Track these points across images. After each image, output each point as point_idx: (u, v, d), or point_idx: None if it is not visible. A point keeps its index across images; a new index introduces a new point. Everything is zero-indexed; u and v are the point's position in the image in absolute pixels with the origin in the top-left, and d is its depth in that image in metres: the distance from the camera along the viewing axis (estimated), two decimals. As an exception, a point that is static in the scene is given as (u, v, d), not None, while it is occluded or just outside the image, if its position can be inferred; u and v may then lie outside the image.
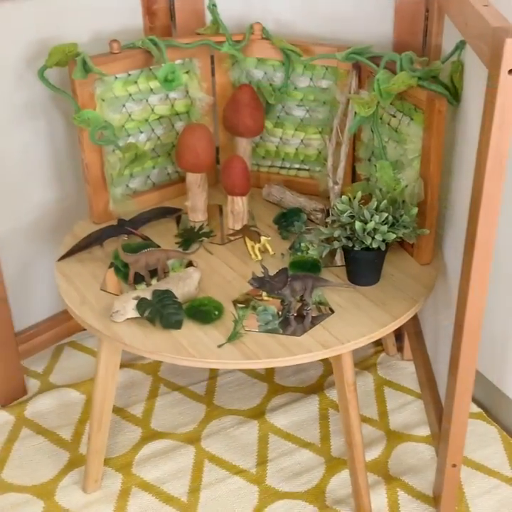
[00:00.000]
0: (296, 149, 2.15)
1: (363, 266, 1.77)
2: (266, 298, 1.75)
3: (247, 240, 1.90)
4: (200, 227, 2.00)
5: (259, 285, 1.68)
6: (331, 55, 1.92)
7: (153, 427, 2.17)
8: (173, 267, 1.85)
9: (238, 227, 2.01)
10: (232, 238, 1.99)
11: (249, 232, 1.89)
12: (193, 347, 1.62)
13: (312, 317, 1.69)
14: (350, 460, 1.83)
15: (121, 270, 1.86)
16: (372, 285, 1.79)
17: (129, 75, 1.97)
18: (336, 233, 1.71)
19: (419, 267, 1.86)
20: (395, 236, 1.69)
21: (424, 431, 2.13)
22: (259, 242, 1.86)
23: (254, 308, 1.71)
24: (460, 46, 1.71)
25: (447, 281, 1.90)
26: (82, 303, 1.76)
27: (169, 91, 2.00)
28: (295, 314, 1.70)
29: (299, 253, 1.88)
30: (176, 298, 1.71)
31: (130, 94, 1.99)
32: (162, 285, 1.75)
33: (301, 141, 2.13)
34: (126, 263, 1.80)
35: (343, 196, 1.76)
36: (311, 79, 2.04)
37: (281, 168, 2.20)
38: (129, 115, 2.01)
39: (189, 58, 2.05)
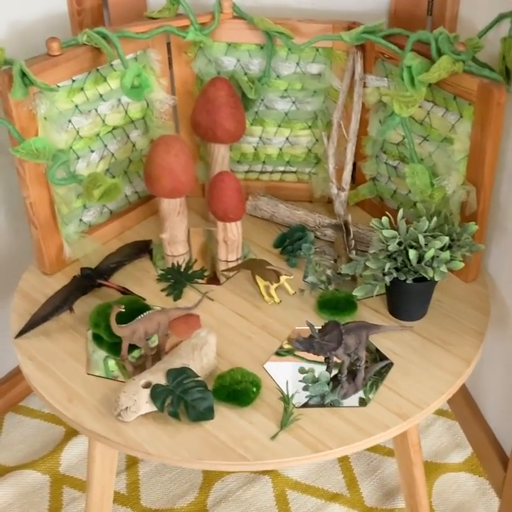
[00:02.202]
0: (280, 149, 1.77)
1: (414, 299, 1.44)
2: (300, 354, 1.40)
3: (259, 279, 1.52)
4: (187, 265, 1.59)
5: (307, 347, 1.32)
6: (335, 36, 1.54)
7: (144, 504, 1.78)
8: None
9: (233, 258, 1.62)
10: (230, 275, 1.60)
11: (262, 269, 1.50)
12: (240, 444, 1.24)
13: (366, 371, 1.36)
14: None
15: (106, 340, 1.44)
16: (421, 319, 1.47)
17: (74, 81, 1.51)
18: (387, 267, 1.37)
19: (464, 284, 1.55)
20: (462, 264, 1.37)
21: (459, 455, 1.87)
22: (278, 281, 1.49)
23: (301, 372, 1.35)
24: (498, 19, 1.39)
25: (496, 297, 1.62)
26: (69, 399, 1.33)
27: (138, 100, 1.55)
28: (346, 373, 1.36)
29: (319, 285, 1.52)
30: (198, 376, 1.32)
31: (76, 106, 1.53)
32: (173, 360, 1.35)
33: (286, 139, 1.75)
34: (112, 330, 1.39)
35: (383, 217, 1.41)
36: (297, 64, 1.65)
37: (261, 172, 1.81)
38: (77, 132, 1.55)
39: (143, 50, 1.61)
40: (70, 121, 1.53)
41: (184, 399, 1.28)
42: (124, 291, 1.53)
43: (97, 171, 1.61)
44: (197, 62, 1.66)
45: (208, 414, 1.28)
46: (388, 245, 1.38)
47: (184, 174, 1.54)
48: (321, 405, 1.31)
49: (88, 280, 1.53)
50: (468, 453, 1.88)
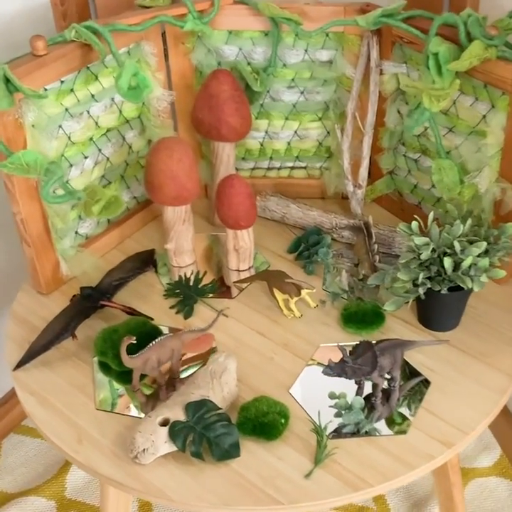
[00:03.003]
0: (288, 144, 1.63)
1: (448, 308, 1.33)
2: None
3: (277, 292, 1.39)
4: (197, 277, 1.46)
5: (339, 373, 1.20)
6: (350, 21, 1.39)
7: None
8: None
9: (245, 266, 1.50)
10: (243, 286, 1.47)
11: (281, 282, 1.38)
12: (271, 484, 1.13)
13: (399, 389, 1.25)
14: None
15: (114, 369, 1.31)
16: (453, 329, 1.36)
17: (62, 82, 1.36)
18: (421, 277, 1.25)
19: (498, 287, 1.43)
20: (504, 273, 1.25)
21: (488, 459, 1.77)
22: (299, 295, 1.36)
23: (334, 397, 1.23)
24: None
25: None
26: (79, 439, 1.21)
27: (137, 102, 1.41)
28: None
29: (341, 294, 1.40)
30: (219, 408, 1.20)
31: (67, 109, 1.38)
32: (190, 391, 1.22)
33: (295, 132, 1.61)
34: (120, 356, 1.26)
35: (413, 222, 1.29)
36: (305, 51, 1.50)
37: (268, 169, 1.68)
38: (69, 138, 1.41)
39: (136, 43, 1.46)
40: (60, 126, 1.38)
41: (206, 436, 1.16)
42: (130, 312, 1.40)
43: (92, 178, 1.47)
44: (196, 53, 1.51)
45: (233, 452, 1.16)
46: (420, 253, 1.25)
47: (189, 180, 1.40)
48: (357, 434, 1.19)
49: (90, 301, 1.39)
50: (497, 455, 1.78)
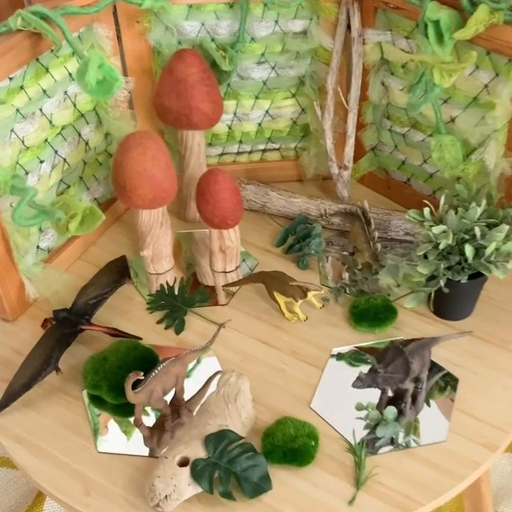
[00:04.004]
0: (259, 125, 1.48)
1: (466, 297, 1.23)
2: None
3: (278, 295, 1.26)
4: (182, 285, 1.31)
5: (369, 384, 1.09)
6: (331, -12, 1.25)
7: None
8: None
9: (232, 267, 1.36)
10: (234, 290, 1.33)
11: (284, 285, 1.24)
12: (314, 517, 1.02)
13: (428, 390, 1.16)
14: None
15: (109, 402, 1.16)
16: (469, 316, 1.27)
17: (11, 79, 1.17)
18: (442, 268, 1.15)
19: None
20: (529, 256, 1.16)
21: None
22: (305, 297, 1.24)
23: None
24: None
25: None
26: (86, 491, 1.06)
27: (106, 98, 1.22)
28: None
29: (345, 289, 1.29)
30: (241, 437, 1.07)
31: (17, 110, 1.19)
32: (205, 421, 1.09)
33: (266, 112, 1.46)
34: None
35: (425, 209, 1.18)
36: (276, 22, 1.35)
37: (238, 153, 1.53)
38: (22, 142, 1.22)
39: (87, 26, 1.27)
40: (12, 130, 1.19)
41: (233, 471, 1.04)
42: (115, 333, 1.24)
43: (50, 183, 1.29)
44: (153, 32, 1.34)
45: (265, 485, 1.04)
46: (439, 243, 1.15)
47: (166, 179, 1.24)
48: (393, 448, 1.09)
49: (67, 326, 1.23)
50: None
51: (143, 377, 1.07)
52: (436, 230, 1.14)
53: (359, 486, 1.05)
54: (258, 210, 1.46)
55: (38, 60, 1.20)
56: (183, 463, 1.05)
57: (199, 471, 1.04)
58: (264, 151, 1.53)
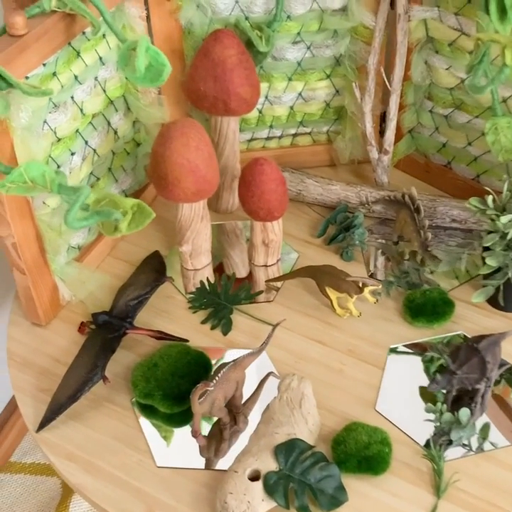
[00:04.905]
0: (291, 108, 1.40)
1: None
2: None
3: (330, 290, 1.20)
4: (226, 282, 1.23)
5: (444, 386, 1.04)
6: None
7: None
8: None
9: (274, 260, 1.29)
10: (278, 285, 1.26)
11: (338, 280, 1.17)
12: (398, 529, 0.97)
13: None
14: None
15: (160, 411, 1.08)
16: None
17: (44, 65, 1.07)
18: (509, 259, 1.09)
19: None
20: None
21: None
22: (361, 292, 1.17)
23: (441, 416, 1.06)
24: None
25: None
26: (149, 511, 0.99)
27: (154, 86, 1.13)
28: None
29: (397, 282, 1.23)
30: (312, 446, 1.01)
31: (50, 99, 1.09)
32: (272, 430, 1.03)
33: (299, 94, 1.39)
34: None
35: (488, 197, 1.12)
36: (313, -1, 1.28)
37: (267, 139, 1.45)
38: (55, 133, 1.12)
39: (117, 7, 1.17)
40: (45, 121, 1.10)
41: (307, 483, 0.98)
42: (161, 336, 1.17)
43: (81, 177, 1.20)
44: (184, 10, 1.25)
45: (341, 496, 0.99)
46: (507, 233, 1.09)
47: (210, 170, 1.16)
48: (469, 452, 1.04)
49: (110, 330, 1.15)
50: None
51: (212, 388, 1.00)
52: (505, 219, 1.09)
53: (440, 494, 1.00)
54: (293, 198, 1.39)
55: (69, 44, 1.11)
56: (253, 476, 0.99)
57: (273, 485, 0.97)
58: (294, 135, 1.45)
